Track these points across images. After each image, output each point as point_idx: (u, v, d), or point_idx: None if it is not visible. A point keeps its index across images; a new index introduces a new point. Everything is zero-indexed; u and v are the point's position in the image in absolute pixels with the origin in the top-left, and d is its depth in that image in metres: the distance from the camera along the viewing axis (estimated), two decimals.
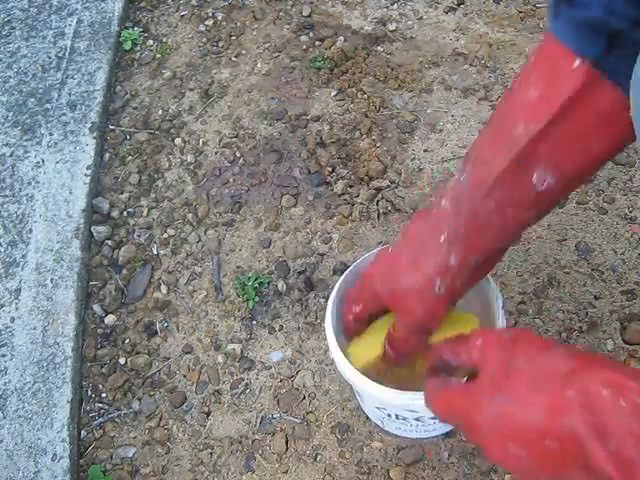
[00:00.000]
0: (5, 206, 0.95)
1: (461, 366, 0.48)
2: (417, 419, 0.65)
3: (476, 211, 0.50)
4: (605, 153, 0.47)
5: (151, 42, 1.16)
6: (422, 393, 0.55)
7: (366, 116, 1.01)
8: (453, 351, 0.49)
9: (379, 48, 1.09)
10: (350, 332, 0.63)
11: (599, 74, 0.43)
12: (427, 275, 0.52)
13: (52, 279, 0.88)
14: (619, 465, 0.35)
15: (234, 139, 1.02)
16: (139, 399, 0.82)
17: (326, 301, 0.85)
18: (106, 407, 0.81)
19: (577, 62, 0.43)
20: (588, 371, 0.39)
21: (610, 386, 0.37)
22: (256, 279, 0.87)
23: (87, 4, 1.17)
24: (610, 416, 0.36)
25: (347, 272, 0.67)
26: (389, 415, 0.66)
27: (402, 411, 0.63)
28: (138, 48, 1.16)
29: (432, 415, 0.64)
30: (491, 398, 0.42)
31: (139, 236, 0.94)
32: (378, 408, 0.67)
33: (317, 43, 1.12)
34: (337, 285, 0.66)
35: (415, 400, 0.58)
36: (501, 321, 0.61)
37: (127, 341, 0.86)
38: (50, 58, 1.11)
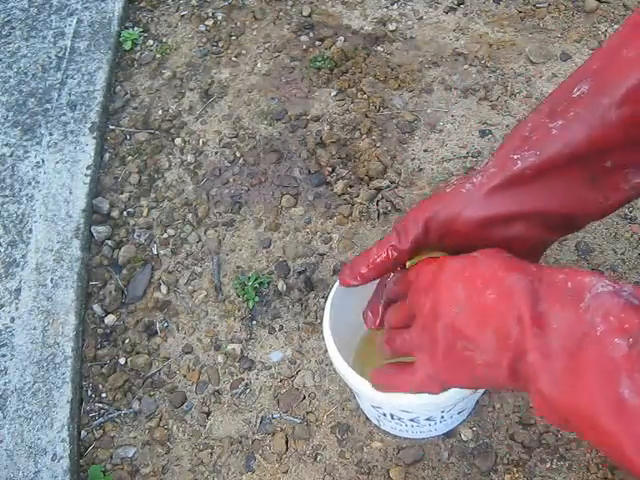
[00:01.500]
0: (5, 206, 0.95)
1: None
2: (412, 420, 0.65)
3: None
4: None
5: (151, 42, 1.16)
6: (416, 394, 0.56)
7: (366, 116, 1.01)
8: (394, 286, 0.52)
9: (379, 48, 1.09)
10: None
11: None
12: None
13: (52, 279, 0.88)
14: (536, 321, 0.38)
15: (234, 139, 1.02)
16: (139, 399, 0.82)
17: (326, 301, 0.85)
18: (106, 407, 0.81)
19: None
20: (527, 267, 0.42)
21: (562, 273, 0.40)
22: (256, 279, 0.87)
23: (87, 4, 1.17)
24: (548, 289, 0.39)
25: None
26: (384, 414, 0.66)
27: (397, 411, 0.63)
28: (138, 48, 1.16)
29: (427, 416, 0.64)
30: (463, 258, 0.45)
31: (139, 236, 0.94)
32: (374, 407, 0.67)
33: (317, 43, 1.12)
34: (335, 285, 0.66)
35: (408, 400, 0.58)
36: None
37: (127, 341, 0.86)
38: (50, 58, 1.11)
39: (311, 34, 1.13)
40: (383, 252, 0.50)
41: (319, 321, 0.83)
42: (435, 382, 0.47)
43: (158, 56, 1.14)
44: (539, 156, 0.46)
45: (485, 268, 0.43)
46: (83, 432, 0.80)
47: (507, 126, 0.97)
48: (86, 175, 0.97)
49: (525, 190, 0.46)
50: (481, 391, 0.67)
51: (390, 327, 0.52)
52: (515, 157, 0.46)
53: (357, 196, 0.93)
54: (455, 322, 0.42)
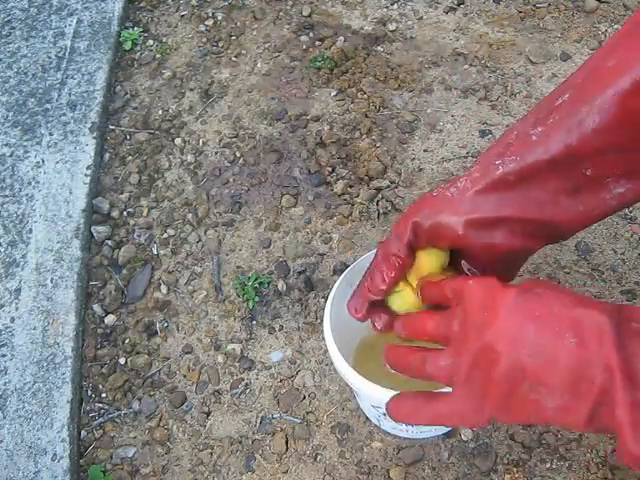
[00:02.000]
0: (5, 206, 0.95)
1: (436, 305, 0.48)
2: None
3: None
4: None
5: (151, 42, 1.16)
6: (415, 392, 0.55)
7: (366, 116, 1.01)
8: (432, 290, 0.49)
9: (379, 48, 1.09)
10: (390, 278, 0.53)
11: None
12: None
13: (52, 279, 0.88)
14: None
15: (234, 139, 1.02)
16: (139, 399, 0.82)
17: (326, 301, 0.85)
18: (106, 407, 0.81)
19: None
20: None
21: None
22: (256, 279, 0.87)
23: (87, 4, 1.17)
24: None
25: (346, 272, 0.67)
26: (385, 414, 0.66)
27: None
28: (138, 48, 1.16)
29: None
30: (525, 291, 0.42)
31: (139, 236, 0.94)
32: (374, 406, 0.67)
33: (317, 43, 1.12)
34: (336, 285, 0.66)
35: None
36: None
37: (127, 341, 0.86)
38: (50, 58, 1.11)
39: (311, 34, 1.13)
40: (392, 268, 0.51)
41: (319, 321, 0.83)
42: (481, 417, 0.44)
43: (158, 56, 1.14)
44: (519, 162, 0.46)
45: (557, 307, 0.40)
46: (83, 432, 0.80)
47: (507, 126, 0.97)
48: (86, 175, 0.97)
49: (507, 195, 0.46)
50: None
51: (405, 336, 0.50)
52: (497, 162, 0.46)
53: (357, 196, 0.93)
54: (526, 365, 0.40)
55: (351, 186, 0.95)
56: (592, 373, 0.38)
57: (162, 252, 0.93)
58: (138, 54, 1.15)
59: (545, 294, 0.42)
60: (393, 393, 0.58)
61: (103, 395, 0.82)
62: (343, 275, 0.67)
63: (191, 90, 1.09)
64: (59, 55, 1.11)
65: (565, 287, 0.43)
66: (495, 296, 0.43)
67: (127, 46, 1.15)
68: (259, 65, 1.11)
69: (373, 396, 0.60)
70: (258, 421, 0.78)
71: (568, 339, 0.39)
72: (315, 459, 0.75)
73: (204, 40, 1.15)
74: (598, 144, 0.44)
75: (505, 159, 0.46)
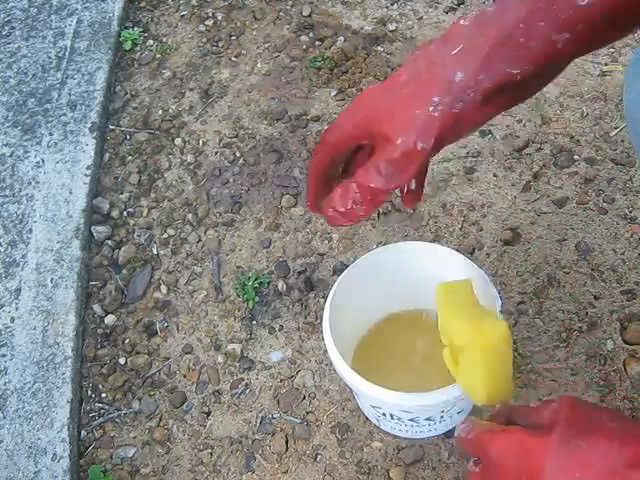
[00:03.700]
0: (5, 206, 0.95)
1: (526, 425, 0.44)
2: (412, 420, 0.65)
3: (500, 24, 0.41)
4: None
5: (151, 42, 1.16)
6: (413, 393, 0.56)
7: None
8: (523, 412, 0.45)
9: (379, 48, 1.09)
10: (317, 171, 0.50)
11: None
12: (424, 89, 0.43)
13: (52, 279, 0.88)
14: None
15: (234, 139, 1.02)
16: (139, 399, 0.82)
17: (326, 301, 0.85)
18: (106, 407, 0.81)
19: None
20: None
21: None
22: (256, 279, 0.87)
23: (87, 4, 1.17)
24: None
25: (345, 272, 0.67)
26: (384, 414, 0.66)
27: (397, 411, 0.63)
28: (138, 48, 1.16)
29: (427, 416, 0.64)
30: (567, 444, 0.38)
31: (139, 236, 0.94)
32: (373, 407, 0.67)
33: (317, 43, 1.12)
34: (335, 285, 0.66)
35: (405, 399, 0.58)
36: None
37: (127, 341, 0.86)
38: (50, 58, 1.11)
39: (311, 34, 1.13)
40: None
41: (319, 321, 0.83)
42: None
43: (158, 56, 1.14)
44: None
45: (600, 464, 0.36)
46: (83, 432, 0.80)
47: (507, 126, 0.97)
48: (86, 175, 0.97)
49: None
50: None
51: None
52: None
53: None
54: None
55: None
56: None
57: (162, 252, 0.93)
58: (138, 54, 1.15)
59: (587, 446, 0.37)
60: (392, 393, 0.59)
61: (103, 395, 0.82)
62: (342, 275, 0.67)
63: (191, 90, 1.09)
64: (59, 55, 1.11)
65: (604, 413, 0.41)
66: (534, 457, 0.39)
67: (127, 46, 1.15)
68: (259, 65, 1.11)
69: (372, 396, 0.60)
70: (258, 421, 0.78)
71: None
72: (315, 459, 0.75)
73: (204, 40, 1.15)
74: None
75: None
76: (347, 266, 0.87)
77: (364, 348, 0.76)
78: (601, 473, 0.36)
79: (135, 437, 0.79)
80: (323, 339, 0.63)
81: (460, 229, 0.89)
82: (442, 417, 0.66)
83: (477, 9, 1.13)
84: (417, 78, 0.44)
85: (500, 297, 0.64)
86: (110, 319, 0.88)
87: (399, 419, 0.65)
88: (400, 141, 0.43)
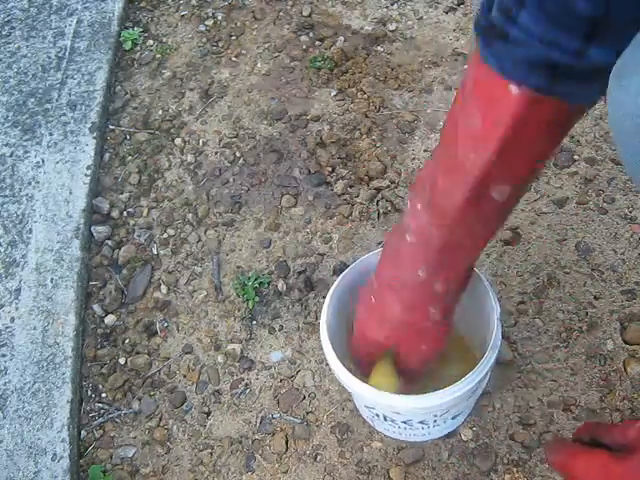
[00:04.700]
0: (5, 206, 0.95)
1: (609, 444, 0.45)
2: (405, 422, 0.64)
3: (446, 240, 0.50)
4: (556, 146, 0.47)
5: (151, 42, 1.16)
6: (405, 395, 0.57)
7: (366, 116, 1.01)
8: (608, 431, 0.46)
9: (379, 48, 1.09)
10: (365, 371, 0.64)
11: (542, 96, 0.41)
12: (419, 309, 0.53)
13: (52, 279, 0.88)
14: None
15: (234, 139, 1.02)
16: (139, 399, 0.82)
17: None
18: (106, 407, 0.81)
19: (517, 90, 0.40)
20: None
21: None
22: (256, 279, 0.87)
23: (87, 4, 1.17)
24: None
25: (344, 273, 0.67)
26: (377, 415, 0.66)
27: (390, 412, 0.63)
28: (138, 48, 1.16)
29: (420, 419, 0.64)
30: None
31: (139, 236, 0.94)
32: (367, 407, 0.67)
33: (317, 43, 1.12)
34: (334, 285, 0.66)
35: (400, 401, 0.58)
36: (495, 331, 0.60)
37: (127, 341, 0.86)
38: (50, 58, 1.11)
39: (311, 34, 1.13)
40: None
41: (319, 321, 0.83)
42: None
43: (158, 56, 1.14)
44: None
45: None
46: (83, 432, 0.80)
47: None
48: (86, 175, 0.97)
49: None
50: (475, 398, 0.67)
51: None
52: None
53: (357, 196, 0.93)
54: None
55: (351, 186, 0.95)
56: None
57: (162, 252, 0.93)
58: (138, 54, 1.15)
59: None
60: (385, 394, 0.58)
61: (103, 395, 0.82)
62: (341, 276, 0.67)
63: (191, 90, 1.09)
64: (59, 55, 1.11)
65: None
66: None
67: (127, 46, 1.15)
68: (259, 65, 1.11)
69: (365, 396, 0.60)
70: (258, 421, 0.78)
71: None
72: (315, 459, 0.75)
73: (204, 40, 1.15)
74: None
75: None
76: (347, 266, 0.87)
77: None
78: None
79: (135, 437, 0.79)
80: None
81: None
82: (435, 421, 0.65)
83: (477, 9, 1.13)
84: (403, 302, 0.56)
85: (499, 299, 0.64)
86: (110, 319, 0.88)
87: (393, 421, 0.65)
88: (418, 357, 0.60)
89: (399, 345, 0.58)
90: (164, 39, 1.16)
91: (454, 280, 0.53)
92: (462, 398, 0.58)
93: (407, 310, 0.54)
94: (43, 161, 0.99)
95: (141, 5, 1.22)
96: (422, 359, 0.58)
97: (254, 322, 0.85)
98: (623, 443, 0.43)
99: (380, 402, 0.59)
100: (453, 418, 0.67)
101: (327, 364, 0.81)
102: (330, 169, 0.96)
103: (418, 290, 0.53)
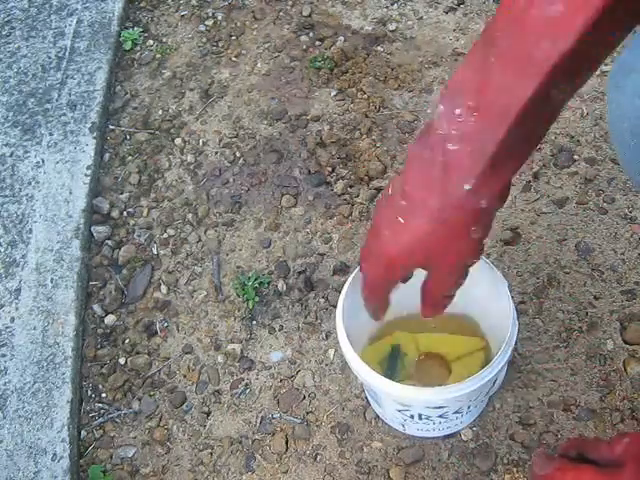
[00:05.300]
0: (5, 206, 0.95)
1: (597, 459, 0.45)
2: (440, 416, 0.65)
3: (499, 147, 0.44)
4: (612, 49, 0.44)
5: (151, 42, 1.16)
6: (444, 387, 0.57)
7: (366, 116, 1.01)
8: (595, 446, 0.46)
9: (379, 48, 1.09)
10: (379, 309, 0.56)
11: None
12: (463, 226, 0.47)
13: (52, 279, 0.88)
14: None
15: (234, 139, 1.02)
16: (139, 399, 0.82)
17: (326, 301, 0.85)
18: (106, 407, 0.81)
19: None
20: None
21: None
22: (256, 279, 0.87)
23: (87, 4, 1.17)
24: None
25: (353, 275, 0.66)
26: (412, 416, 0.66)
27: (425, 409, 0.63)
28: (138, 48, 1.16)
29: (456, 409, 0.63)
30: None
31: (139, 236, 0.94)
32: (400, 411, 0.66)
33: (317, 43, 1.12)
34: (345, 287, 0.64)
35: (440, 393, 0.58)
36: (509, 303, 0.61)
37: (127, 341, 0.86)
38: (50, 58, 1.11)
39: (311, 34, 1.13)
40: None
41: (319, 321, 0.83)
42: None
43: (158, 56, 1.14)
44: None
45: None
46: (83, 432, 0.80)
47: None
48: (86, 175, 0.97)
49: None
50: (504, 372, 0.67)
51: None
52: None
53: (357, 196, 0.93)
54: None
55: (351, 186, 0.95)
56: None
57: (162, 252, 0.93)
58: (138, 54, 1.15)
59: None
60: (424, 390, 0.58)
61: (103, 395, 0.82)
62: (352, 275, 0.65)
63: (191, 90, 1.09)
64: (59, 55, 1.11)
65: None
66: None
67: (127, 46, 1.15)
68: (259, 65, 1.11)
69: (402, 397, 0.59)
70: (258, 421, 0.78)
71: None
72: (315, 459, 0.75)
73: (204, 40, 1.15)
74: None
75: None
76: (347, 266, 0.87)
77: (371, 347, 0.75)
78: None
79: (135, 437, 0.79)
80: (324, 339, 0.63)
81: None
82: (469, 407, 0.66)
83: (477, 9, 1.13)
84: (445, 221, 0.47)
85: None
86: (110, 319, 0.88)
87: (428, 418, 0.65)
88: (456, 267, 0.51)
89: (430, 260, 0.50)
90: (164, 39, 1.16)
91: (497, 194, 0.46)
92: (495, 379, 0.59)
93: (443, 227, 0.48)
94: (43, 161, 0.99)
95: (141, 5, 1.22)
96: (455, 275, 0.51)
97: (254, 322, 0.85)
98: (610, 458, 0.43)
99: (419, 399, 0.59)
100: (481, 401, 0.68)
101: (328, 364, 0.80)
102: (330, 169, 0.96)
103: (465, 209, 0.47)
